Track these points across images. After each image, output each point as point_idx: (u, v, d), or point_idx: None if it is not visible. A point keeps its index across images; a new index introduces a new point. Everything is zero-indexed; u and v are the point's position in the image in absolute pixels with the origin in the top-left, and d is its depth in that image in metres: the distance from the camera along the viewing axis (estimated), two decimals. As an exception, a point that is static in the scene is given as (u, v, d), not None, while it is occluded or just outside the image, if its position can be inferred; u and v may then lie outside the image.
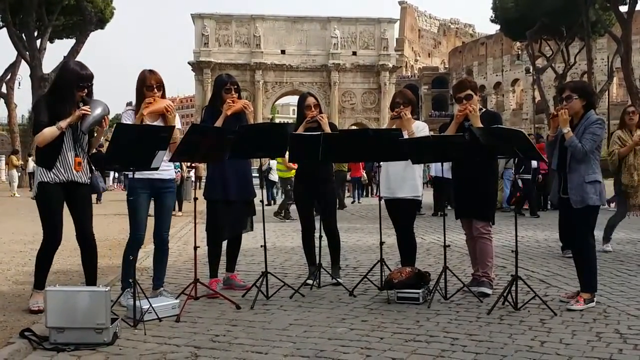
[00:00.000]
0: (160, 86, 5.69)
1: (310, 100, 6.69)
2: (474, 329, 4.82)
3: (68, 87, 5.27)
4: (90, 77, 5.37)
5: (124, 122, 5.55)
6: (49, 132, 5.16)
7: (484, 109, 6.41)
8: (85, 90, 5.32)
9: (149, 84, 5.64)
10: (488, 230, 6.20)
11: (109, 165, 5.35)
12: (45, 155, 5.26)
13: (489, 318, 5.15)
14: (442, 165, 13.80)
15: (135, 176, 5.46)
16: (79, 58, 35.79)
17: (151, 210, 5.74)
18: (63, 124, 5.17)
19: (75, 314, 4.41)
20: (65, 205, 5.39)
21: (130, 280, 5.23)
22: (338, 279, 6.61)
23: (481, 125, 5.84)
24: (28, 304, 5.35)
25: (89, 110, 5.24)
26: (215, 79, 6.56)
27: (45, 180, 5.24)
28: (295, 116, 6.90)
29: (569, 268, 6.06)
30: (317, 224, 6.72)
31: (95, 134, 5.60)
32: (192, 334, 4.73)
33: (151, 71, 5.74)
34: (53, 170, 5.24)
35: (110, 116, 5.87)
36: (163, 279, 5.96)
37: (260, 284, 5.89)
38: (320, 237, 6.58)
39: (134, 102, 5.83)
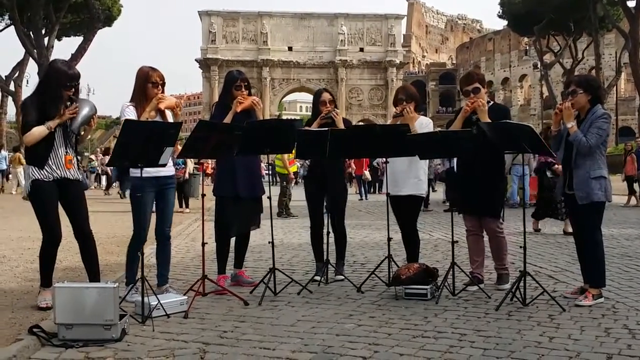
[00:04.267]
0: (164, 83, 5.70)
1: (326, 96, 6.68)
2: (482, 325, 4.81)
3: (55, 87, 5.24)
4: (77, 77, 5.35)
5: (127, 117, 5.54)
6: (38, 131, 5.14)
7: (492, 102, 6.35)
8: (73, 90, 5.31)
9: (153, 81, 5.62)
10: (501, 228, 6.22)
11: (116, 162, 5.34)
12: (37, 154, 5.24)
13: (497, 314, 5.13)
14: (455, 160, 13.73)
15: (142, 175, 5.47)
16: (86, 55, 35.98)
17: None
18: (52, 124, 5.15)
19: (84, 311, 4.41)
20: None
21: (137, 277, 5.24)
22: (342, 275, 6.59)
23: (488, 120, 5.80)
24: (36, 301, 5.37)
25: (77, 110, 5.23)
26: (225, 76, 6.55)
27: (39, 177, 5.23)
28: (310, 112, 6.91)
29: (577, 263, 6.03)
30: (325, 221, 6.71)
31: (82, 133, 5.60)
32: (200, 330, 4.74)
33: (153, 68, 5.73)
34: (46, 168, 5.23)
35: (114, 114, 5.88)
36: (167, 275, 5.96)
37: (268, 280, 5.89)
38: (328, 233, 6.58)
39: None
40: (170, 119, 5.70)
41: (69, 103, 5.25)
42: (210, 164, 23.82)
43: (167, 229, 5.87)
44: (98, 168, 32.84)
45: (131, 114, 5.58)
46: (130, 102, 5.67)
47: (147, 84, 5.62)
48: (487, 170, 6.05)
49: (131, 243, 5.74)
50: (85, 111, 5.31)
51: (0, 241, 9.76)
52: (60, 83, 5.24)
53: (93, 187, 30.70)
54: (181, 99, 6.24)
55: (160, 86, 5.64)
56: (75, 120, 5.27)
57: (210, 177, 26.77)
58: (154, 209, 5.77)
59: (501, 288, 6.04)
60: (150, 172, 5.49)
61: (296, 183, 18.60)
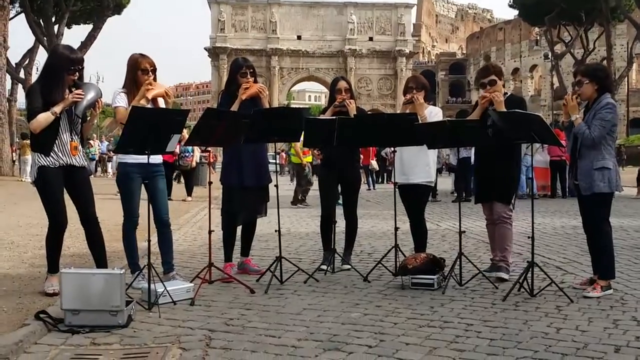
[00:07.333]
0: (154, 69, 5.69)
1: (342, 84, 6.65)
2: (488, 315, 4.79)
3: (59, 72, 5.22)
4: (80, 61, 5.33)
5: (117, 104, 5.59)
6: (44, 117, 5.12)
7: (509, 94, 6.35)
8: (77, 74, 5.29)
9: (143, 68, 5.62)
10: (509, 215, 6.17)
11: (123, 148, 5.33)
12: (42, 141, 5.22)
13: (504, 304, 5.11)
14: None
15: (129, 161, 5.55)
16: (96, 43, 36.01)
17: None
18: (57, 109, 5.13)
19: (90, 297, 4.42)
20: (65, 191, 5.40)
21: (143, 264, 5.24)
22: (349, 264, 6.58)
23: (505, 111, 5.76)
24: (44, 286, 5.39)
25: (82, 94, 5.22)
26: (231, 63, 6.53)
27: (45, 164, 5.22)
28: (319, 101, 6.91)
29: (585, 255, 6.01)
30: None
31: (89, 118, 5.59)
32: (206, 317, 4.74)
33: (143, 55, 5.74)
34: (51, 154, 5.22)
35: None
36: (172, 262, 5.96)
37: (275, 268, 5.89)
38: (335, 222, 6.56)
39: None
40: (162, 106, 5.71)
41: (73, 88, 5.24)
42: (213, 151, 23.79)
43: (165, 216, 5.86)
44: (97, 155, 32.86)
45: (122, 101, 5.61)
46: (122, 89, 5.68)
47: (137, 71, 5.63)
48: (503, 158, 6.02)
49: (123, 230, 5.81)
50: (90, 95, 5.30)
51: (8, 227, 9.80)
52: (63, 68, 5.22)
53: (94, 175, 30.63)
54: (170, 89, 6.27)
55: (150, 72, 5.64)
56: (80, 104, 5.26)
57: (212, 165, 26.70)
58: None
59: (499, 276, 5.98)
60: (137, 158, 5.51)
61: (314, 174, 18.20)
